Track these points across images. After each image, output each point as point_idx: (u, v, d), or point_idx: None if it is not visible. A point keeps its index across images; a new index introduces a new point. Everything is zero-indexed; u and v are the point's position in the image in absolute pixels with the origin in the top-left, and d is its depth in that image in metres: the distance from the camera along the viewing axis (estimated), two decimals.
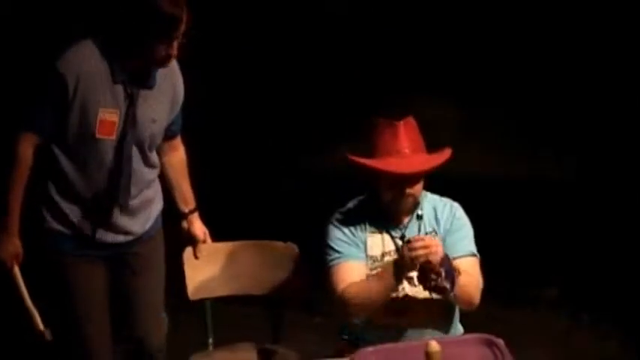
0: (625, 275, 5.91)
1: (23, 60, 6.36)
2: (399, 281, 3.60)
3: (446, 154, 3.67)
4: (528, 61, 7.09)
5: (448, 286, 3.51)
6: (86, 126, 3.60)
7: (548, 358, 5.22)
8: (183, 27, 3.51)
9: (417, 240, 3.51)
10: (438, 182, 3.77)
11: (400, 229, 3.74)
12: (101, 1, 3.66)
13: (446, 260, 3.54)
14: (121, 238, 3.80)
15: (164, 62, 3.59)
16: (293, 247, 4.17)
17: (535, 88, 7.17)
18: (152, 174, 3.84)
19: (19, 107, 3.66)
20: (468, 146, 4.33)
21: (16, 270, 3.66)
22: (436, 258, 3.49)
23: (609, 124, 6.93)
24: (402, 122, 3.63)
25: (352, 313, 3.67)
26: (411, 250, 3.50)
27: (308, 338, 5.22)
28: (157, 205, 3.91)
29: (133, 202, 3.77)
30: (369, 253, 3.72)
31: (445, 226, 3.73)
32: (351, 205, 3.80)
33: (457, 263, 3.62)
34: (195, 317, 4.13)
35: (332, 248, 3.72)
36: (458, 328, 3.84)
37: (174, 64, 3.73)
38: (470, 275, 3.64)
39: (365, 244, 3.72)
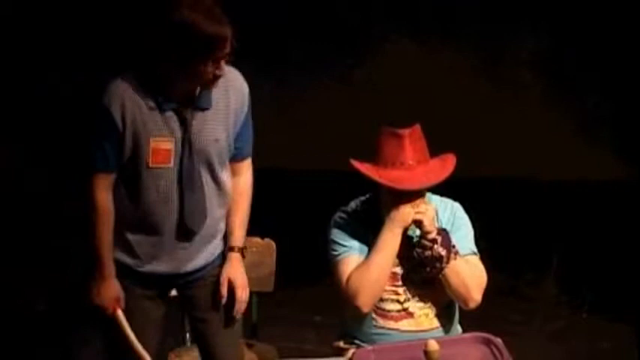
0: (625, 272, 5.94)
1: (24, 61, 6.72)
2: (393, 239, 3.63)
3: (450, 164, 3.66)
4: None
5: (444, 253, 3.56)
6: (139, 156, 3.55)
7: (547, 356, 5.24)
8: (229, 45, 3.41)
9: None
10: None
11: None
12: (140, 30, 3.63)
13: (443, 231, 3.60)
14: (181, 269, 3.71)
15: (213, 83, 3.51)
16: (271, 243, 4.27)
17: None
18: (222, 202, 3.71)
19: (81, 152, 3.64)
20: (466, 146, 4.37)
21: (119, 313, 3.59)
22: (427, 218, 3.57)
23: None
24: (407, 132, 3.62)
25: (360, 301, 3.64)
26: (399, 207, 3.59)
27: (307, 337, 5.26)
28: (219, 244, 3.78)
29: (197, 235, 3.67)
30: None
31: (446, 227, 3.74)
32: (353, 204, 3.82)
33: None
34: (172, 313, 4.08)
35: (336, 243, 3.74)
36: (457, 329, 3.86)
37: (233, 75, 3.63)
38: (472, 267, 3.68)
39: (367, 243, 3.73)
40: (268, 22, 6.99)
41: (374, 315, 3.74)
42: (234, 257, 3.74)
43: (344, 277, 3.67)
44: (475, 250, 3.78)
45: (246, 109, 3.68)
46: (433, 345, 3.27)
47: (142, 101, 3.52)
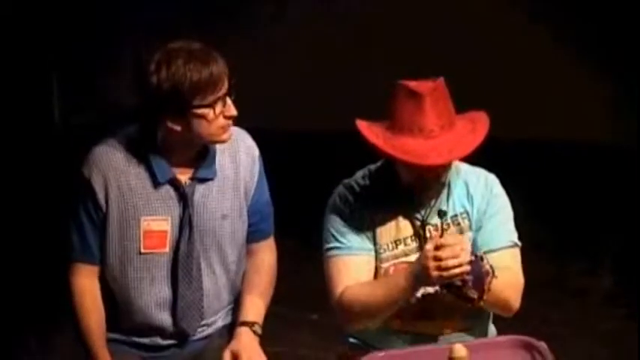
0: None
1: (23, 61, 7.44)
2: (412, 293, 3.47)
3: (481, 129, 3.50)
4: None
5: (475, 296, 3.41)
6: (129, 240, 3.47)
7: None
8: (226, 82, 3.39)
9: (446, 248, 3.33)
10: None
11: (421, 212, 3.59)
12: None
13: (475, 263, 3.39)
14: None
15: (226, 130, 3.42)
16: None
17: None
18: (230, 291, 3.64)
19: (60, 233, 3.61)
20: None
21: None
22: (466, 270, 3.37)
23: None
24: (428, 91, 3.43)
25: (353, 321, 3.57)
26: (437, 262, 3.33)
27: (303, 339, 5.27)
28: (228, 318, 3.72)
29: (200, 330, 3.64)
30: (380, 240, 3.58)
31: (480, 207, 3.58)
32: (360, 176, 3.65)
33: (496, 258, 3.48)
34: None
35: (333, 235, 3.59)
36: (490, 330, 3.72)
37: (240, 136, 3.58)
38: (510, 274, 3.51)
39: (374, 228, 3.57)
40: None
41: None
42: (244, 332, 3.58)
43: (337, 287, 3.54)
44: (515, 239, 3.59)
45: (257, 176, 3.61)
46: (460, 350, 3.16)
47: (131, 172, 3.46)
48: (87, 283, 3.52)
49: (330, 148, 6.25)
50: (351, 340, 3.67)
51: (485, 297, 3.42)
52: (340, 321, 3.56)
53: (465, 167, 3.62)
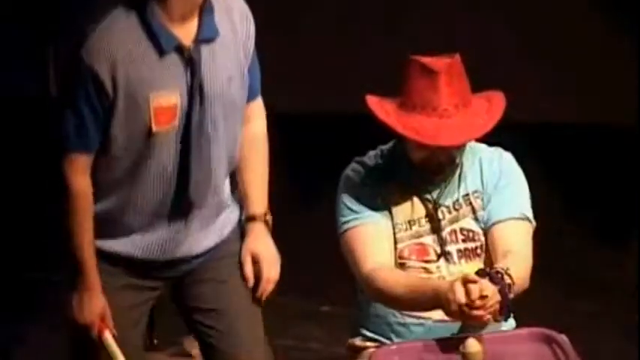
0: None
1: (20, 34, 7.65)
2: (433, 309, 3.46)
3: (497, 108, 3.51)
4: None
5: (502, 320, 3.43)
6: (138, 122, 3.36)
7: (625, 356, 5.11)
8: None
9: (476, 292, 3.27)
10: None
11: (433, 194, 3.60)
12: None
13: (500, 284, 3.34)
14: (190, 256, 3.60)
15: None
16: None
17: None
18: (230, 164, 3.58)
19: (52, 125, 3.47)
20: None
21: (107, 335, 3.47)
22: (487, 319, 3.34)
23: None
24: (443, 68, 3.43)
25: (375, 299, 3.57)
26: (469, 307, 3.28)
27: (313, 332, 5.22)
28: (235, 213, 3.65)
29: (206, 210, 3.54)
30: (395, 219, 3.59)
31: (492, 181, 3.59)
32: (372, 155, 3.66)
33: (502, 229, 3.51)
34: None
35: (348, 208, 3.58)
36: (509, 321, 3.64)
37: None
38: (518, 260, 3.48)
39: (389, 206, 3.58)
40: None
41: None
42: (257, 228, 3.62)
43: (361, 260, 3.52)
44: (528, 214, 3.59)
45: (253, 36, 3.57)
46: (473, 345, 3.13)
47: (135, 46, 3.34)
48: (82, 182, 3.43)
49: (345, 131, 6.25)
50: (362, 332, 3.66)
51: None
52: (364, 292, 3.55)
53: (480, 146, 3.63)
